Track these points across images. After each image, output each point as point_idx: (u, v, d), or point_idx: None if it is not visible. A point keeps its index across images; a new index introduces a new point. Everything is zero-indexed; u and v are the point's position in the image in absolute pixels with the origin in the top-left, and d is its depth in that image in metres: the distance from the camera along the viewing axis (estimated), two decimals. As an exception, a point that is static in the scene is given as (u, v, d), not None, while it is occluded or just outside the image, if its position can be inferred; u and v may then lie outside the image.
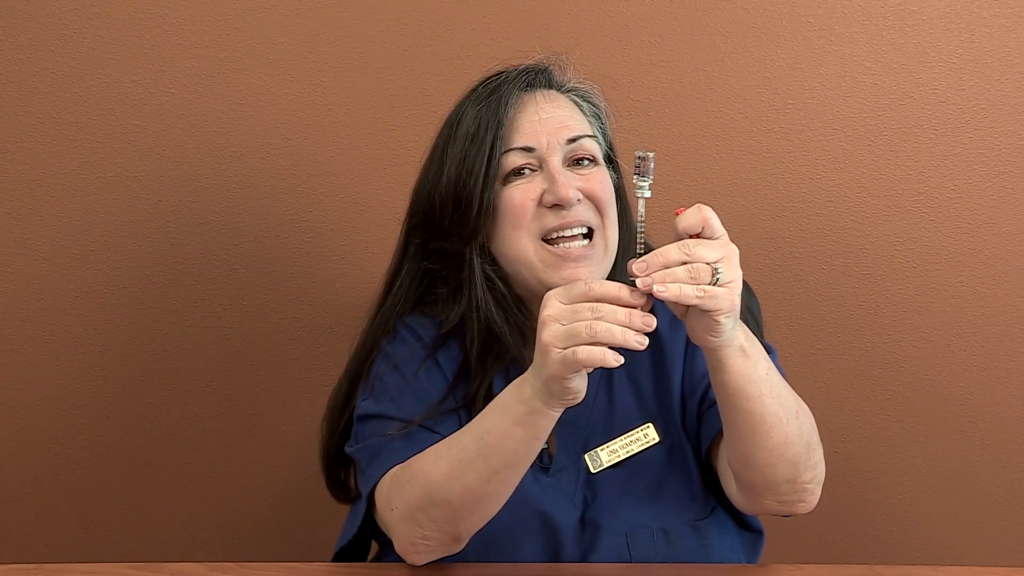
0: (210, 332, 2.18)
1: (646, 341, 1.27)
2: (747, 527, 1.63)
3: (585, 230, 1.54)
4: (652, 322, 1.27)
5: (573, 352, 1.26)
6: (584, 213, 1.53)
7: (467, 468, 1.38)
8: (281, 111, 2.14)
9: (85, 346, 2.18)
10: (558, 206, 1.52)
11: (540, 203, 1.53)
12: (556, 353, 1.28)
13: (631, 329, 1.26)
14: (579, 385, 1.31)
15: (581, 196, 1.53)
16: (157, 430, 2.21)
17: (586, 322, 1.26)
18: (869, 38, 2.14)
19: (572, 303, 1.29)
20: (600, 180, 1.56)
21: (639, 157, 1.32)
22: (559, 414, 1.35)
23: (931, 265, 2.19)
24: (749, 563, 1.63)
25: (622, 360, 1.28)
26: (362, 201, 2.15)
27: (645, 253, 1.29)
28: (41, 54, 2.11)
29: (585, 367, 1.27)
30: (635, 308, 1.28)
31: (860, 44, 2.14)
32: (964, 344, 2.21)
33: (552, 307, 1.30)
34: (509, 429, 1.36)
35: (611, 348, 1.27)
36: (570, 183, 1.52)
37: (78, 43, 2.11)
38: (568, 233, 1.53)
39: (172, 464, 2.22)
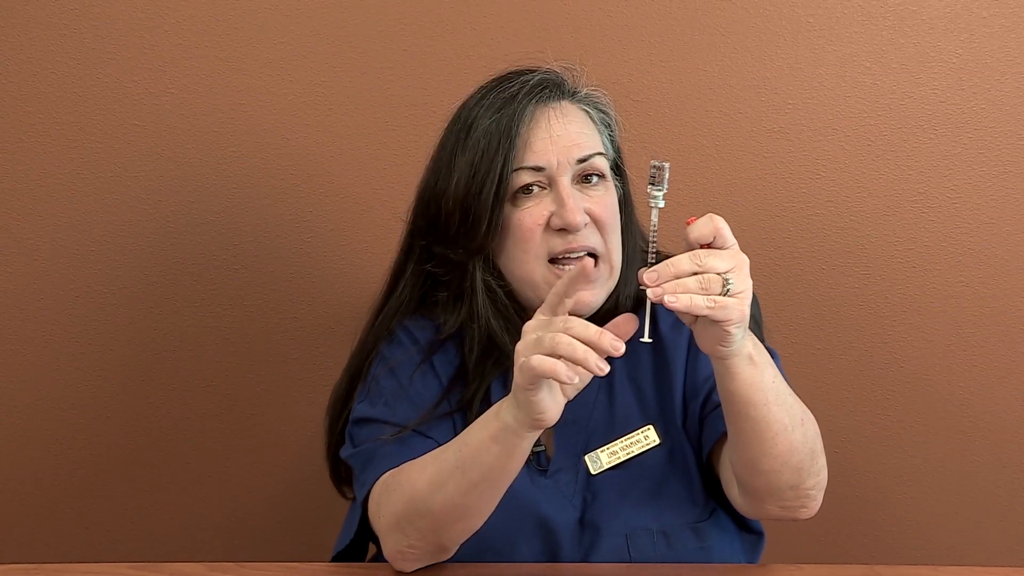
0: (210, 332, 2.18)
1: (607, 368, 1.26)
2: (747, 529, 1.63)
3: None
4: (620, 348, 1.27)
5: (528, 359, 1.26)
6: (590, 238, 1.52)
7: (448, 479, 1.38)
8: (281, 111, 2.14)
9: (85, 346, 2.18)
10: (565, 229, 1.52)
11: (547, 226, 1.53)
12: (521, 362, 1.28)
13: (595, 350, 1.25)
14: (545, 402, 1.30)
15: (588, 219, 1.52)
16: (157, 430, 2.21)
17: (552, 333, 1.26)
18: (869, 38, 2.14)
19: (550, 315, 1.30)
20: (606, 204, 1.55)
21: (654, 167, 1.32)
22: (530, 436, 1.35)
23: (931, 265, 2.19)
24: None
25: (575, 379, 1.26)
26: (362, 201, 2.15)
27: (657, 262, 1.29)
28: (41, 54, 2.11)
29: (539, 376, 1.26)
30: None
31: (860, 44, 2.14)
32: (964, 344, 2.21)
33: (533, 320, 1.32)
34: (485, 443, 1.36)
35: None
36: (578, 207, 1.51)
37: (78, 43, 2.11)
38: (574, 256, 1.53)
39: (172, 464, 2.22)
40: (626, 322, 1.32)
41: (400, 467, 1.47)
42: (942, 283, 2.19)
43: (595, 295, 1.53)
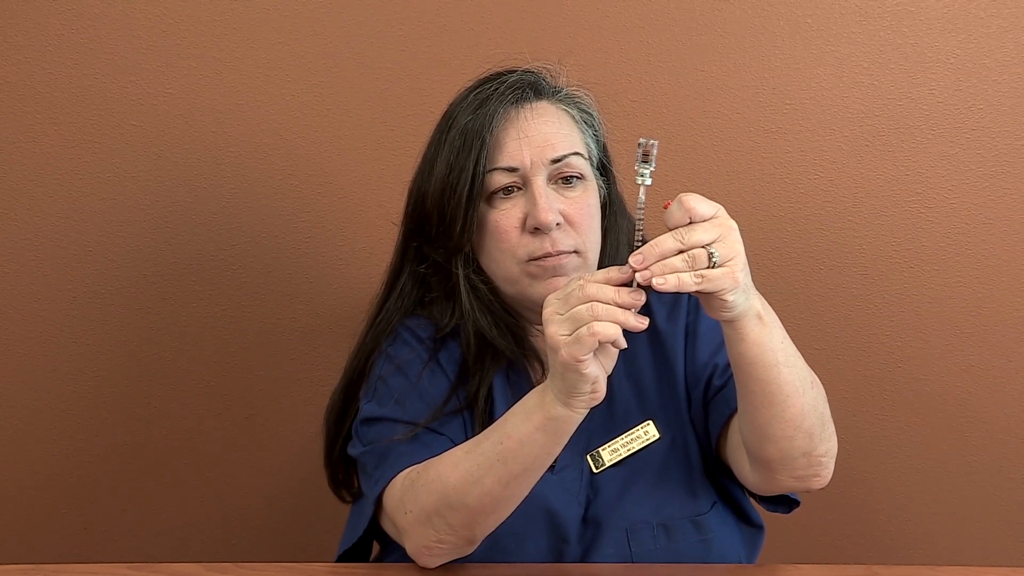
0: (207, 332, 2.18)
1: (646, 321, 1.28)
2: (748, 522, 1.63)
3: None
4: (641, 297, 1.28)
5: (588, 328, 1.26)
6: (564, 241, 1.53)
7: (486, 473, 1.39)
8: (279, 111, 2.14)
9: (82, 347, 2.17)
10: (539, 229, 1.52)
11: (523, 227, 1.53)
12: (564, 339, 1.28)
13: (622, 306, 1.27)
14: (596, 373, 1.31)
15: (561, 220, 1.53)
16: (155, 430, 2.21)
17: (585, 305, 1.27)
18: (867, 38, 2.14)
19: (566, 295, 1.30)
20: (583, 204, 1.55)
21: (641, 144, 1.32)
22: (583, 416, 1.35)
23: (928, 265, 2.19)
24: (749, 558, 1.64)
25: (625, 345, 1.29)
26: (359, 201, 2.15)
27: (643, 243, 1.29)
28: (39, 54, 2.11)
29: (600, 340, 1.27)
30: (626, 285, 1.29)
31: (858, 44, 2.14)
32: (962, 344, 2.21)
33: (550, 305, 1.32)
34: (530, 434, 1.36)
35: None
36: (551, 206, 1.51)
37: (76, 43, 2.11)
38: (551, 259, 1.53)
39: (170, 464, 2.22)
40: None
41: (425, 463, 1.47)
42: (940, 283, 2.19)
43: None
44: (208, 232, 2.16)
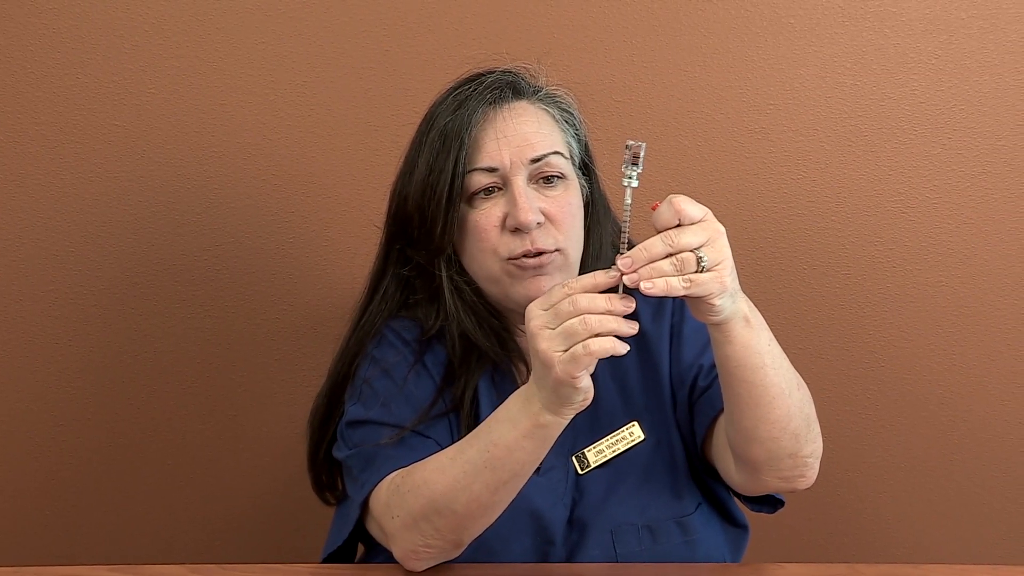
0: (192, 333, 2.18)
1: (636, 325, 1.28)
2: (733, 522, 1.64)
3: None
4: (632, 303, 1.28)
5: (584, 346, 1.26)
6: (544, 240, 1.52)
7: (474, 479, 1.38)
8: (263, 111, 2.13)
9: (65, 347, 2.17)
10: (519, 229, 1.52)
11: (503, 227, 1.53)
12: (559, 356, 1.27)
13: (615, 314, 1.27)
14: (587, 383, 1.31)
15: (542, 219, 1.52)
16: (138, 432, 2.20)
17: (577, 318, 1.26)
18: (850, 39, 2.15)
19: (553, 306, 1.29)
20: (564, 203, 1.55)
21: (628, 146, 1.32)
22: (568, 421, 1.35)
23: (911, 265, 2.20)
24: (734, 558, 1.64)
25: (628, 348, 1.28)
26: (344, 202, 2.15)
27: (629, 245, 1.29)
28: (22, 54, 2.10)
29: (598, 358, 1.27)
30: (613, 293, 1.28)
31: (841, 45, 2.15)
32: (944, 343, 2.22)
33: (537, 317, 1.30)
34: (517, 441, 1.36)
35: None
36: (531, 206, 1.51)
37: (59, 43, 2.10)
38: (531, 257, 1.53)
39: (153, 466, 2.21)
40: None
41: (410, 468, 1.47)
42: (922, 282, 2.20)
43: (552, 283, 1.51)
44: (191, 232, 2.15)
